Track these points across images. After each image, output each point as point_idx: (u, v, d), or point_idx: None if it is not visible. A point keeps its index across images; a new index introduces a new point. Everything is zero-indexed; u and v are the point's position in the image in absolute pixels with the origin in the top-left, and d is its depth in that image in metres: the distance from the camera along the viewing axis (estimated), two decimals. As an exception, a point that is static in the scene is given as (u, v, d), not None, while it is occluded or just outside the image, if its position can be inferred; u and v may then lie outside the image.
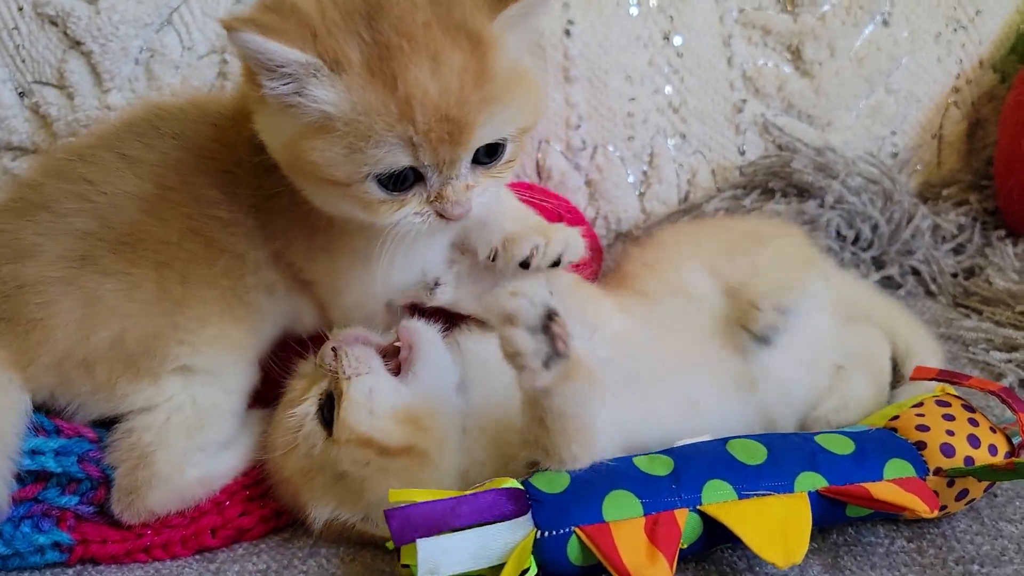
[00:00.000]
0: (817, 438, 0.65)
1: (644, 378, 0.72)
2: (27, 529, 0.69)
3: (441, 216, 0.63)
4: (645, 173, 1.11)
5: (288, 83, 0.59)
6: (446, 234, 0.73)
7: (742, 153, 1.12)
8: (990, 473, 0.63)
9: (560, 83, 1.07)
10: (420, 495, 0.58)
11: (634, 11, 1.08)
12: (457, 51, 0.58)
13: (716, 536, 0.60)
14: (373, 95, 0.58)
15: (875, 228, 1.02)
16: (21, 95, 1.06)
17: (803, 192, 1.02)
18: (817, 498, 0.61)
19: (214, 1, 1.05)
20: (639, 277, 0.81)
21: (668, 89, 1.10)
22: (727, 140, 1.12)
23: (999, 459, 0.64)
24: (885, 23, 1.12)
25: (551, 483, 0.60)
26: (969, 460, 0.63)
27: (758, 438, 0.65)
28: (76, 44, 1.04)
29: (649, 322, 0.75)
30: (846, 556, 0.63)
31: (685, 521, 0.59)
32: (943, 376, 0.70)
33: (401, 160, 0.60)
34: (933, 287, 1.01)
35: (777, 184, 1.03)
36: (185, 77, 1.04)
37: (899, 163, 1.12)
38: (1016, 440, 0.66)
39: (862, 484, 0.61)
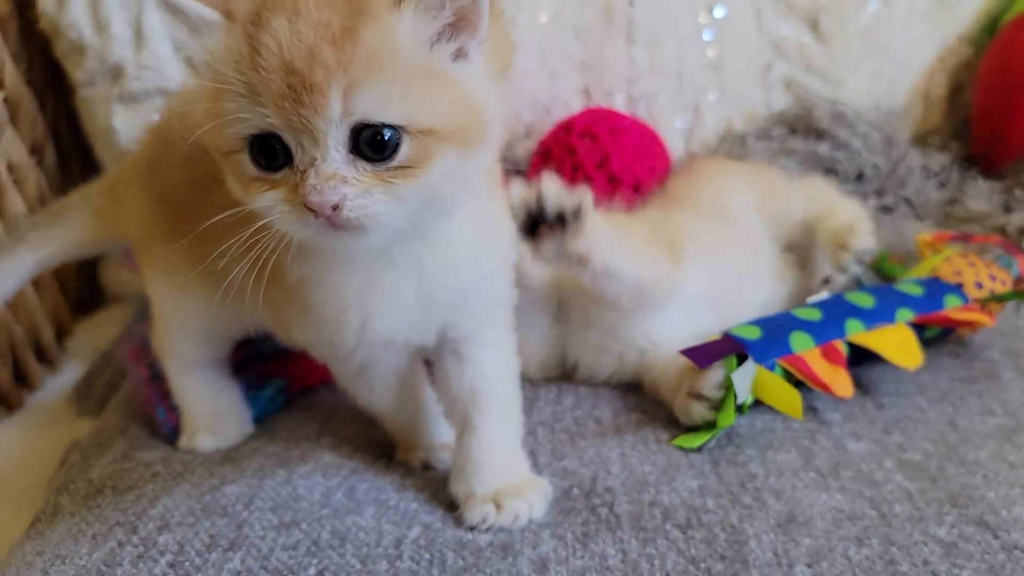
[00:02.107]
0: (897, 286, 0.89)
1: (726, 298, 0.90)
2: (254, 391, 0.89)
3: (308, 209, 0.53)
4: (690, 121, 1.33)
5: (195, 36, 0.55)
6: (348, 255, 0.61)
7: (768, 106, 1.34)
8: (1014, 295, 0.90)
9: (624, 46, 1.29)
10: None
11: None
12: (327, 9, 0.52)
13: (858, 355, 0.84)
14: (237, 41, 0.53)
15: (876, 167, 1.26)
16: (176, 48, 1.27)
17: (820, 135, 1.26)
18: (911, 324, 0.85)
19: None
20: (690, 196, 1.01)
21: (710, 53, 1.31)
22: (757, 96, 1.34)
23: (1011, 286, 0.92)
24: (885, 2, 1.33)
25: (749, 332, 0.80)
26: (992, 291, 0.90)
27: (864, 290, 0.88)
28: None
29: (715, 240, 0.94)
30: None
31: (842, 346, 0.82)
32: (956, 237, 0.98)
33: (251, 118, 0.53)
34: (921, 212, 1.26)
35: (800, 125, 1.27)
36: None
37: (894, 118, 1.36)
38: (1015, 275, 0.94)
39: (939, 312, 0.86)
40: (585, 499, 0.70)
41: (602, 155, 1.08)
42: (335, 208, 0.52)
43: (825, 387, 0.79)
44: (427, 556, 0.64)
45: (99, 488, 0.77)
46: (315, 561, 0.63)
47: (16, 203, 1.26)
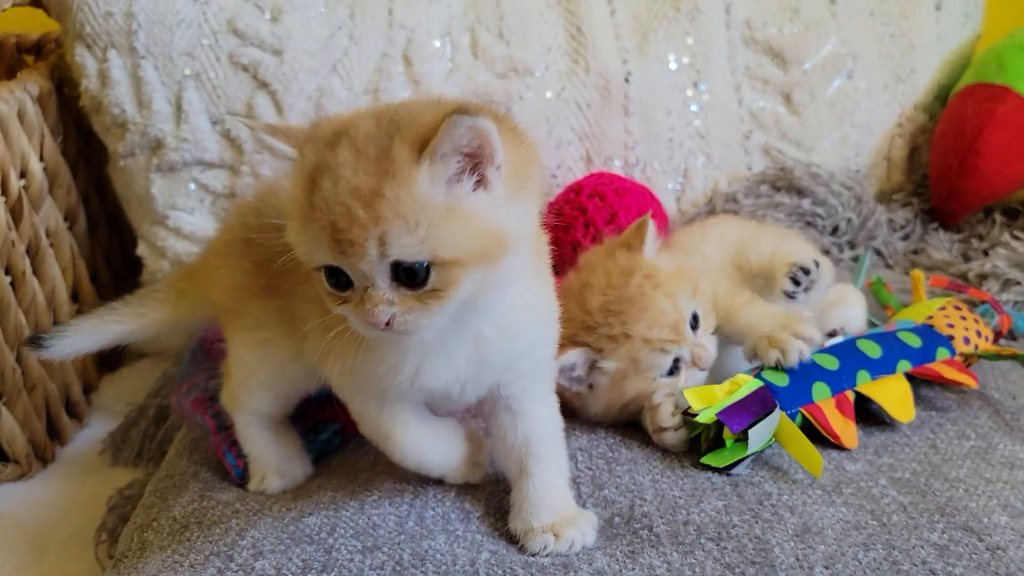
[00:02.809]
0: (899, 334, 0.98)
1: None
2: (312, 435, 0.98)
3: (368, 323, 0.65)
4: (681, 183, 1.46)
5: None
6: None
7: (749, 169, 1.47)
8: (994, 357, 1.01)
9: (621, 117, 1.42)
10: (707, 392, 0.89)
11: (673, 66, 1.44)
12: (361, 173, 0.62)
13: (859, 402, 0.93)
14: (303, 193, 0.65)
15: (849, 221, 1.41)
16: (213, 123, 1.39)
17: (801, 192, 1.40)
18: (906, 375, 0.96)
19: (365, 59, 1.40)
20: (680, 241, 1.14)
21: (697, 122, 1.45)
22: (739, 160, 1.46)
23: (992, 346, 1.03)
24: (849, 77, 1.47)
25: (778, 379, 0.89)
26: (976, 346, 1.01)
27: (871, 338, 0.96)
28: (264, 85, 1.36)
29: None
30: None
31: (851, 395, 0.93)
32: (951, 286, 1.09)
33: (318, 255, 0.65)
34: (891, 262, 1.40)
35: (782, 184, 1.41)
36: (347, 110, 1.38)
37: (861, 177, 1.50)
38: (995, 329, 1.05)
39: (931, 366, 0.96)
40: (626, 525, 0.80)
41: (610, 212, 1.20)
42: (388, 323, 0.65)
43: (837, 439, 0.89)
44: (500, 572, 0.73)
45: (184, 524, 0.85)
46: (404, 579, 0.73)
47: (52, 266, 1.35)
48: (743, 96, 1.48)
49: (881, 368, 0.96)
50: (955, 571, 0.72)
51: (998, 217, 1.42)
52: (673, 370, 0.94)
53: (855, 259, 1.39)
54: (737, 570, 0.72)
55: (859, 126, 1.51)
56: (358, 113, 0.69)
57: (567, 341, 0.94)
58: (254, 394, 0.93)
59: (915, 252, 1.42)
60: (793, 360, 0.91)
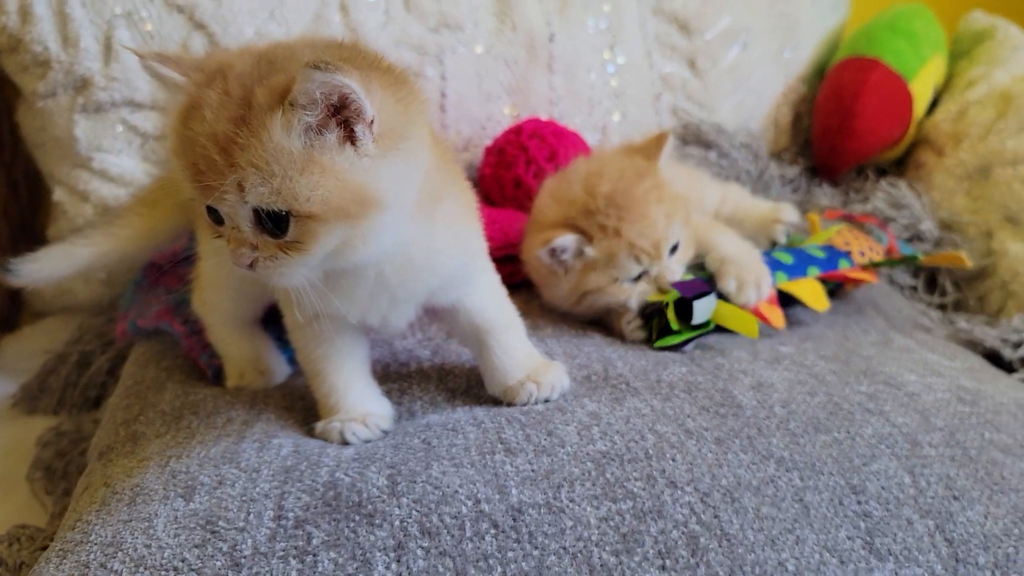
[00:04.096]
0: (807, 249, 1.13)
1: None
2: (281, 344, 0.97)
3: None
4: (599, 138, 1.57)
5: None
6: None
7: (659, 127, 1.60)
8: (887, 263, 1.18)
9: (546, 74, 1.52)
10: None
11: (591, 30, 1.55)
12: (222, 118, 0.61)
13: (783, 300, 1.07)
14: (177, 126, 0.64)
15: (748, 173, 1.57)
16: (145, 63, 1.36)
17: (708, 146, 1.55)
18: (818, 279, 1.10)
19: (303, 5, 1.42)
20: None
21: (613, 83, 1.57)
22: (650, 118, 1.60)
23: (883, 256, 1.19)
24: (744, 47, 1.64)
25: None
26: (870, 259, 1.16)
27: (785, 250, 1.11)
28: (200, 27, 1.36)
29: None
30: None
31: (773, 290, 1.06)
32: (844, 216, 1.25)
33: (188, 190, 0.65)
34: (783, 210, 1.58)
35: (690, 138, 1.55)
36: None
37: (756, 137, 1.68)
38: (885, 246, 1.21)
39: (836, 271, 1.11)
40: (604, 381, 0.89)
41: (550, 151, 1.30)
42: (251, 266, 0.66)
43: (765, 319, 1.03)
44: (502, 419, 0.80)
45: (177, 416, 0.86)
46: (417, 438, 0.78)
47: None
48: (653, 62, 1.61)
49: (795, 271, 1.11)
50: (885, 408, 0.85)
51: (871, 174, 1.62)
52: (636, 279, 1.03)
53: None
54: (711, 410, 0.82)
55: (752, 92, 1.68)
56: (249, 48, 0.69)
57: (563, 222, 1.01)
58: (219, 296, 0.94)
59: (803, 203, 1.59)
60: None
